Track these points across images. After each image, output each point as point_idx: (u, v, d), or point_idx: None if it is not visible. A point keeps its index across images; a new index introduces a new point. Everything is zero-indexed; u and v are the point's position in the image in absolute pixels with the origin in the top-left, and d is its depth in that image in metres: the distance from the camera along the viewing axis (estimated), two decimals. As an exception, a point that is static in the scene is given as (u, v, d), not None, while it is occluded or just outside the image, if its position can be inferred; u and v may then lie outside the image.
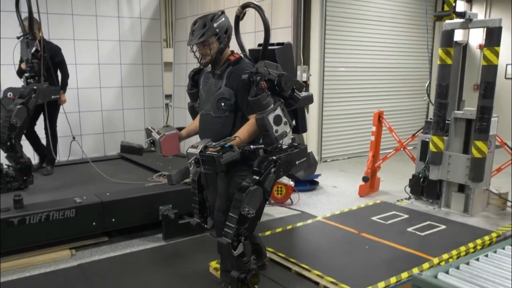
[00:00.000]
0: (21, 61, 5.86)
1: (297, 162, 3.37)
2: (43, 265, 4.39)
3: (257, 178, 3.14)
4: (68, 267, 4.35)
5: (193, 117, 3.87)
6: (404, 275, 3.81)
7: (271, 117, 3.14)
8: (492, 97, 5.22)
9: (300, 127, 3.70)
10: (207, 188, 3.61)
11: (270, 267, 4.14)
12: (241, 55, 3.52)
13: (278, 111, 3.19)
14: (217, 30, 3.27)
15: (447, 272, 2.36)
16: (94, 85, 7.58)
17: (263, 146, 3.25)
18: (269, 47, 3.56)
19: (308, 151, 3.58)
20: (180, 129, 3.75)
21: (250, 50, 3.71)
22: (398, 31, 9.96)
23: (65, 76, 6.17)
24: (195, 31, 3.26)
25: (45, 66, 5.60)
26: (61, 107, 6.11)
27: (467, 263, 2.48)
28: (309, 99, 3.67)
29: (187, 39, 3.39)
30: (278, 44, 3.64)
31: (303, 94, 3.47)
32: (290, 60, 3.73)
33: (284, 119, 3.21)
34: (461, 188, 5.79)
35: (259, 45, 3.66)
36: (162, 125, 8.12)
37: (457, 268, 2.41)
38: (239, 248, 3.18)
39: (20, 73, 5.89)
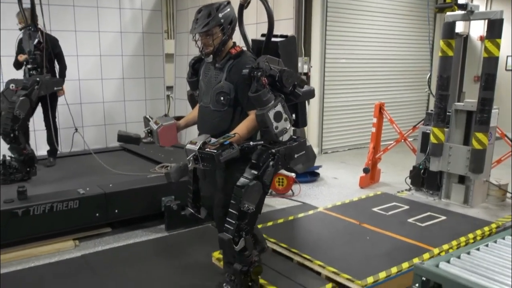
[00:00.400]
0: (17, 52, 5.86)
1: (296, 156, 3.32)
2: (47, 256, 4.43)
3: (256, 172, 3.10)
4: (72, 258, 4.39)
5: (192, 106, 3.82)
6: (405, 265, 3.85)
7: (271, 114, 3.08)
8: (493, 89, 5.24)
9: (300, 121, 3.64)
10: (203, 179, 3.57)
11: (272, 257, 4.18)
12: (243, 48, 3.46)
13: (279, 108, 3.13)
14: (222, 21, 3.20)
15: (448, 262, 2.40)
16: (95, 77, 7.59)
17: (262, 142, 3.20)
18: (273, 39, 3.48)
19: (308, 144, 3.53)
20: (178, 118, 3.71)
21: (252, 41, 3.63)
22: (399, 23, 9.96)
23: (63, 67, 6.16)
24: (199, 20, 3.19)
25: (47, 57, 5.62)
26: (61, 98, 6.12)
27: (468, 253, 2.51)
28: (311, 94, 3.57)
29: (188, 31, 3.34)
30: (282, 36, 3.56)
31: (304, 88, 3.41)
32: (294, 53, 3.66)
33: (284, 116, 3.16)
34: (461, 179, 5.83)
35: (262, 35, 3.57)
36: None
37: (458, 257, 2.45)
38: (241, 243, 3.16)
39: (16, 65, 5.90)
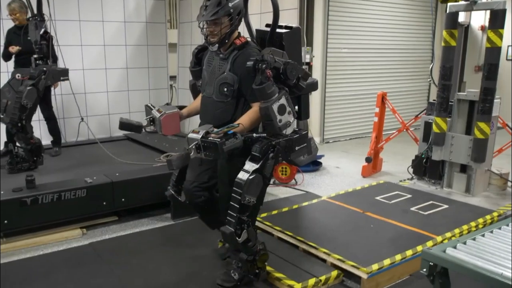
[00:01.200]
0: (6, 44, 5.85)
1: (296, 148, 3.34)
2: (55, 244, 4.49)
3: (255, 165, 3.12)
4: (80, 246, 4.44)
5: (194, 96, 3.83)
6: (409, 252, 3.92)
7: (275, 107, 3.10)
8: (495, 79, 5.29)
9: (302, 114, 3.67)
10: (199, 165, 3.57)
11: (278, 245, 4.25)
12: (247, 39, 3.46)
13: (283, 101, 3.15)
14: (231, 11, 3.21)
15: (454, 247, 2.47)
16: (99, 67, 7.60)
17: (265, 135, 3.21)
18: (277, 30, 3.49)
19: (309, 136, 3.54)
20: (181, 108, 3.70)
21: (256, 30, 3.65)
22: (401, 13, 9.98)
23: (54, 59, 6.08)
24: (208, 7, 3.17)
25: (32, 48, 5.55)
26: (66, 88, 6.15)
27: (474, 239, 2.58)
28: (314, 86, 3.60)
29: (191, 20, 3.33)
30: (286, 27, 3.56)
31: (308, 80, 3.43)
32: (298, 45, 3.65)
33: (288, 109, 3.18)
34: (463, 168, 5.90)
35: (266, 25, 3.59)
36: (166, 106, 8.17)
37: (464, 243, 2.52)
38: (243, 235, 3.21)
39: (5, 56, 5.89)
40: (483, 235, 2.63)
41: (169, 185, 3.80)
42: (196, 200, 3.63)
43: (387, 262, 3.76)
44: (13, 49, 5.72)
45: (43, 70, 5.28)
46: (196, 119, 3.69)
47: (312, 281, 3.58)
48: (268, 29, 3.51)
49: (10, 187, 4.49)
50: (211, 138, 3.01)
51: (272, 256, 3.72)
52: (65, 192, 4.55)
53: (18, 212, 4.34)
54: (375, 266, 3.67)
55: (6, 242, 4.39)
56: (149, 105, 3.64)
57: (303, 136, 3.40)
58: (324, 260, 3.94)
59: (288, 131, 3.30)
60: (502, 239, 2.59)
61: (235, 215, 3.17)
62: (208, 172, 3.57)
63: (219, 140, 2.96)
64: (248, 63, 3.17)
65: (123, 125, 3.68)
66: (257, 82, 3.10)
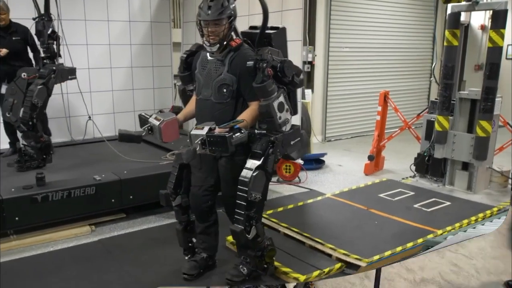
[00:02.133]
0: None
1: (291, 142, 3.44)
2: (65, 241, 4.53)
3: (257, 162, 3.21)
4: (89, 242, 4.50)
5: (184, 100, 3.87)
6: (409, 244, 3.96)
7: (275, 104, 3.21)
8: (497, 78, 5.37)
9: (291, 110, 3.73)
10: (199, 169, 3.61)
11: (285, 241, 4.33)
12: (242, 40, 3.50)
13: (282, 98, 3.26)
14: (232, 13, 3.30)
15: (455, 235, 2.56)
16: (104, 65, 7.65)
17: (265, 132, 3.30)
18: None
19: (301, 131, 3.66)
20: (176, 112, 3.73)
21: (242, 33, 3.67)
22: (402, 12, 10.03)
23: (38, 57, 5.90)
24: (212, 7, 3.22)
25: (20, 47, 5.70)
26: (78, 87, 6.20)
27: (474, 227, 2.68)
28: (302, 83, 3.73)
29: (195, 20, 3.37)
30: (272, 27, 3.63)
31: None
32: (285, 44, 3.74)
33: (286, 106, 3.29)
34: (465, 166, 5.98)
35: (250, 27, 3.69)
36: (171, 105, 8.19)
37: (465, 231, 2.61)
38: (252, 231, 3.30)
39: None
40: (482, 224, 2.72)
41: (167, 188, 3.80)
42: (203, 205, 3.66)
43: (388, 253, 3.86)
44: (2, 51, 5.63)
45: (52, 69, 5.31)
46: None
47: (316, 273, 3.69)
48: (253, 31, 3.61)
49: (20, 185, 4.54)
50: (217, 133, 3.07)
51: (279, 252, 3.78)
52: (74, 189, 4.60)
53: (29, 209, 4.40)
54: (376, 257, 3.79)
55: (16, 239, 4.45)
56: (144, 114, 3.63)
57: (297, 131, 3.53)
58: (330, 255, 4.02)
59: (287, 128, 3.40)
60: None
61: (243, 212, 3.25)
62: (213, 175, 3.60)
63: (227, 134, 3.03)
64: (248, 62, 3.26)
65: (123, 136, 3.68)
66: (258, 81, 3.20)
